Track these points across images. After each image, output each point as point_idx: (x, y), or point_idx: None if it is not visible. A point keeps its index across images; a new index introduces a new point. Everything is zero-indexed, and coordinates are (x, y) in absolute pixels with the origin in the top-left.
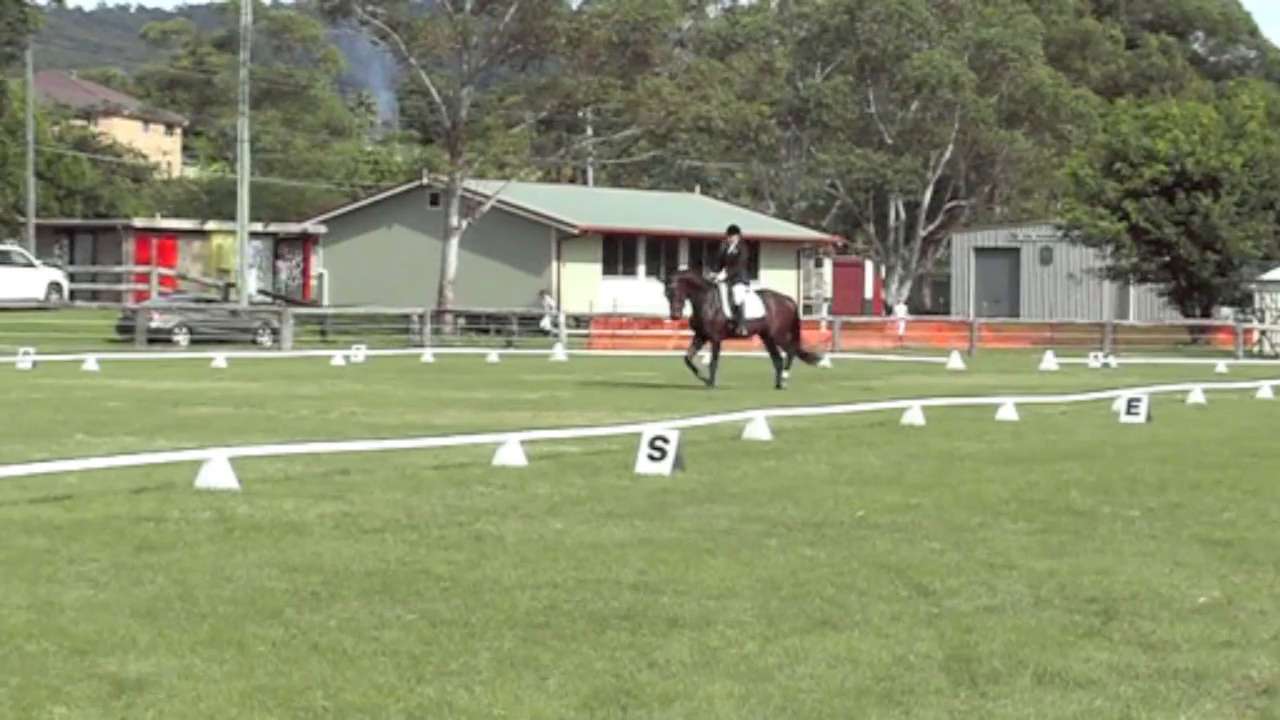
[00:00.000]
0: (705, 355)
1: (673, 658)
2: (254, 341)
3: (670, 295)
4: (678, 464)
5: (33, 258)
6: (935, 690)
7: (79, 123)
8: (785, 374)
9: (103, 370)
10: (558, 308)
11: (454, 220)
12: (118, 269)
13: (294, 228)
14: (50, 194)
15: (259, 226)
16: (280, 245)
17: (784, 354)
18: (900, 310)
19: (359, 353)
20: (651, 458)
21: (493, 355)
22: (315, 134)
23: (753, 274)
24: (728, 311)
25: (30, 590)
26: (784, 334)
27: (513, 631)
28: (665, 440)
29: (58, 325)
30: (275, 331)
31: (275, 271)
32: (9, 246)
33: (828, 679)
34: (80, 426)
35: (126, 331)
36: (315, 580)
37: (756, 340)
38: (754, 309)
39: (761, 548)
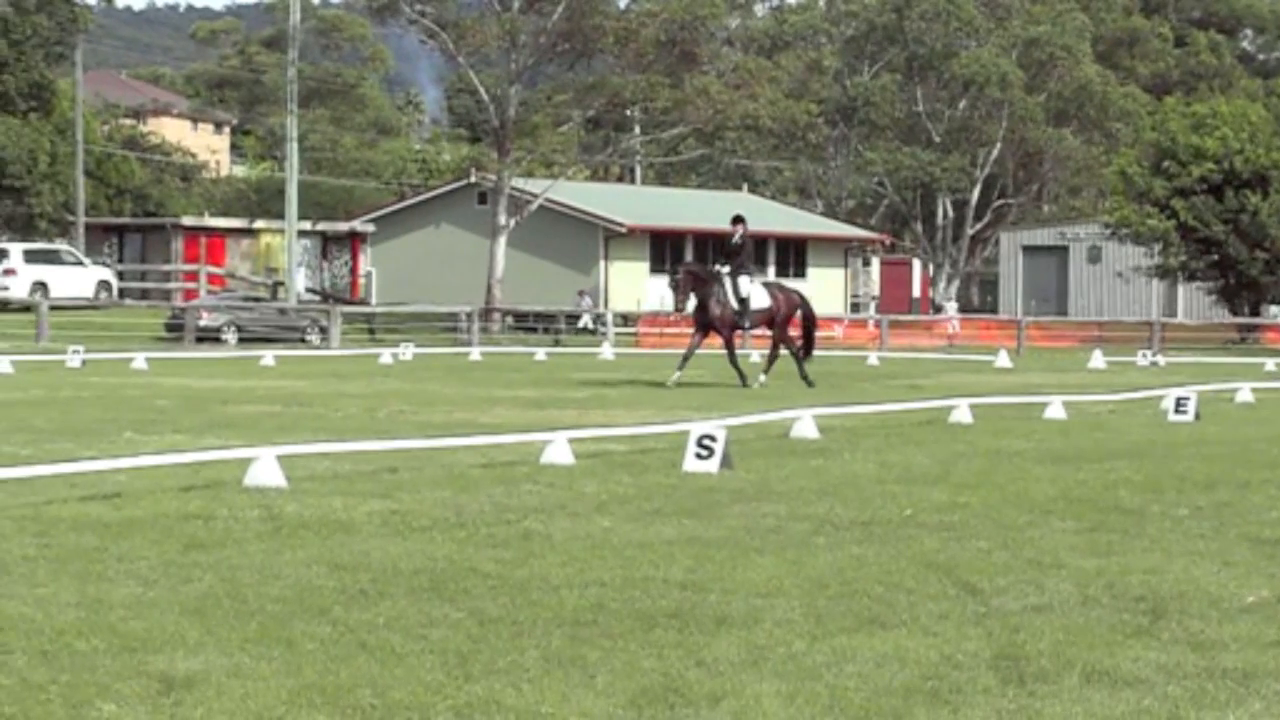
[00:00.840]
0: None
1: (720, 656)
2: (302, 340)
3: (675, 287)
4: (725, 462)
5: (82, 256)
6: (983, 689)
7: (128, 122)
8: (764, 377)
9: (151, 369)
10: (604, 306)
11: (501, 219)
12: (166, 268)
13: (342, 226)
14: (100, 193)
15: (307, 225)
16: (328, 244)
17: (793, 350)
18: (951, 309)
19: (407, 351)
20: (699, 456)
21: (540, 354)
22: (363, 133)
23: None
24: (734, 304)
25: (80, 588)
26: (786, 326)
27: (560, 630)
28: (713, 438)
29: (107, 324)
30: (323, 330)
31: (323, 270)
32: (59, 245)
33: (875, 678)
34: (129, 425)
35: (175, 330)
36: (363, 578)
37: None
38: (760, 300)
39: (809, 546)
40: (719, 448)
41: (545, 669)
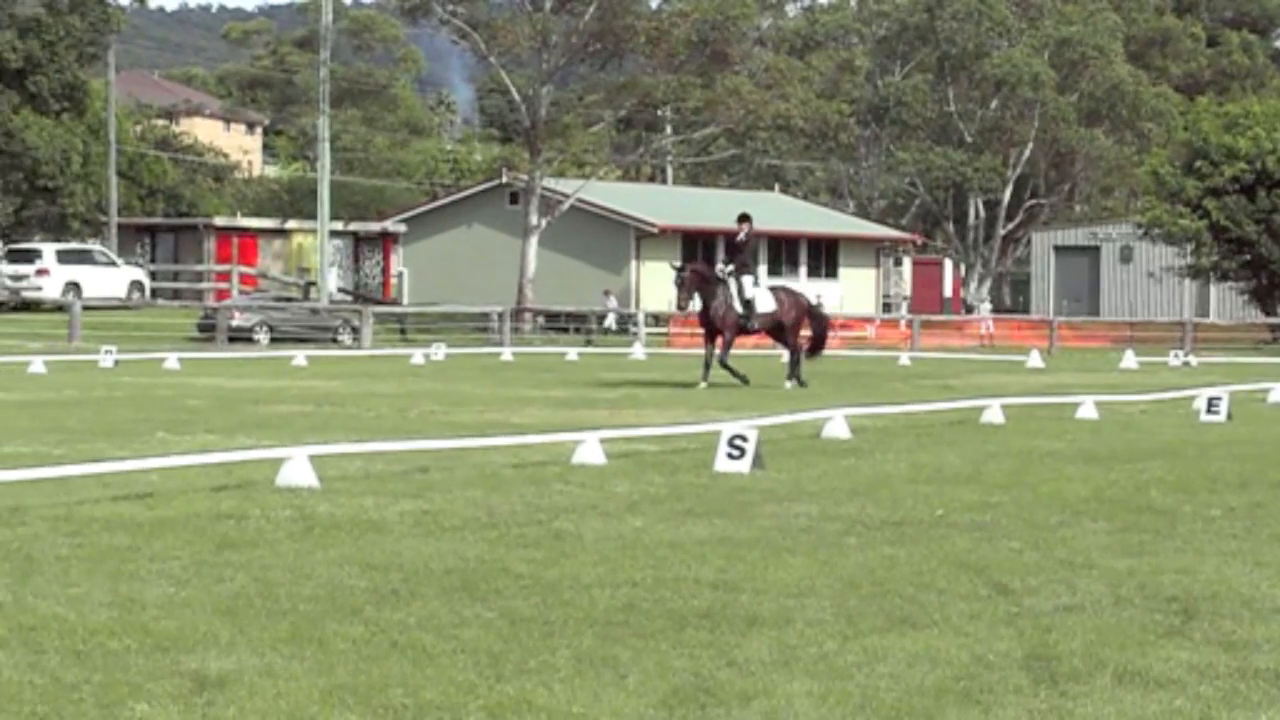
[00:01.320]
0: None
1: (752, 656)
2: (334, 340)
3: (679, 285)
4: (757, 462)
5: (115, 256)
6: (1015, 689)
7: (161, 122)
8: (793, 379)
9: (184, 368)
10: (635, 306)
11: (533, 219)
12: (199, 268)
13: (374, 226)
14: (132, 193)
15: (339, 225)
16: (360, 244)
17: (799, 352)
18: (986, 309)
19: (438, 351)
20: (730, 456)
21: (571, 354)
22: (395, 133)
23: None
24: (738, 307)
25: (112, 587)
26: (794, 329)
27: (592, 629)
28: (744, 439)
29: (139, 324)
30: (355, 330)
31: (357, 270)
32: (92, 245)
33: (907, 678)
34: (161, 424)
35: (207, 330)
36: (395, 578)
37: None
38: (765, 303)
39: (841, 546)
40: (750, 448)
41: (577, 669)
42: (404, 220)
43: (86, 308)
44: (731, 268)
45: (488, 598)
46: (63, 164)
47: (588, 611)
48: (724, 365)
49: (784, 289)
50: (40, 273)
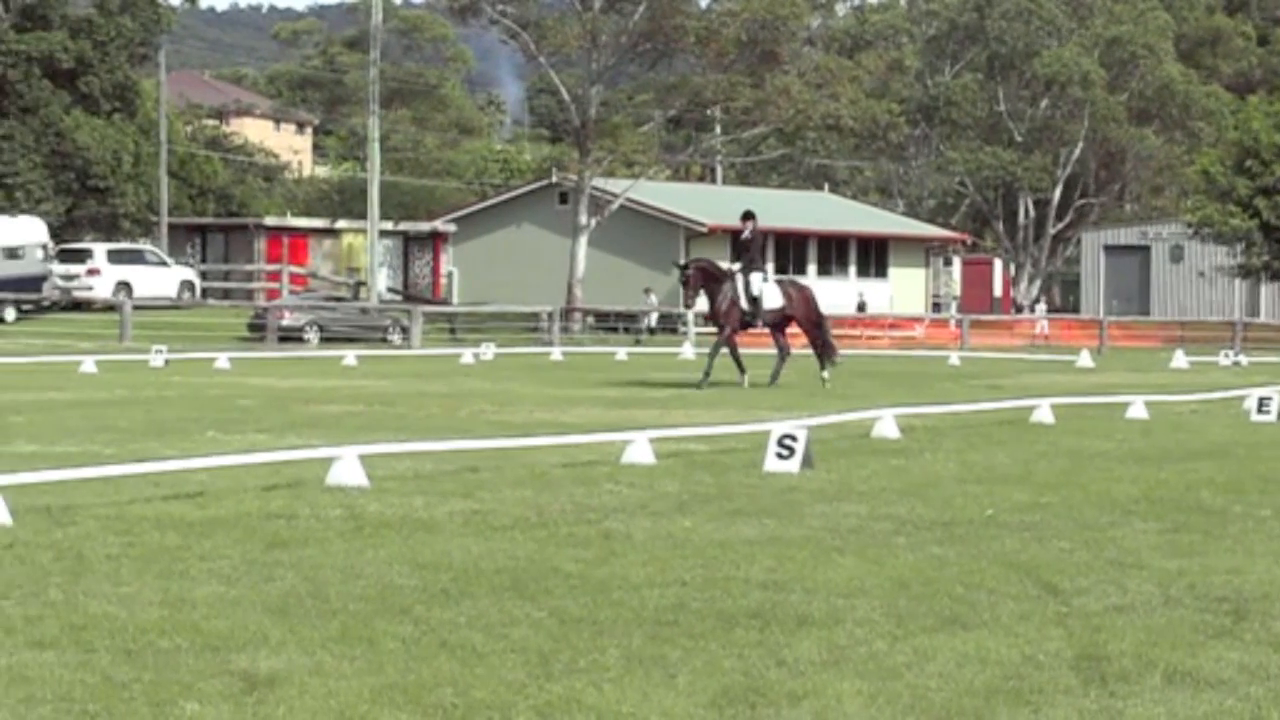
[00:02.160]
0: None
1: (801, 656)
2: (384, 340)
3: (684, 283)
4: (806, 462)
5: (166, 256)
6: (1064, 689)
7: (211, 122)
8: (826, 373)
9: (234, 368)
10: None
11: (582, 219)
12: (249, 267)
13: (424, 226)
14: (183, 193)
15: (389, 225)
16: (410, 244)
17: (784, 347)
18: (1040, 309)
19: (488, 351)
20: (780, 456)
21: (621, 353)
22: (445, 133)
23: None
24: (744, 303)
25: (163, 586)
26: (813, 325)
27: (641, 629)
28: (793, 438)
29: (190, 323)
30: (405, 330)
31: (408, 269)
32: (143, 245)
33: (956, 677)
34: (212, 424)
35: (258, 329)
36: (445, 577)
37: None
38: (772, 299)
39: (890, 546)
40: (800, 447)
41: (626, 668)
42: (453, 220)
43: (137, 307)
44: (739, 266)
45: (537, 597)
46: (114, 164)
47: (637, 611)
48: (711, 356)
49: (791, 283)
50: (91, 272)
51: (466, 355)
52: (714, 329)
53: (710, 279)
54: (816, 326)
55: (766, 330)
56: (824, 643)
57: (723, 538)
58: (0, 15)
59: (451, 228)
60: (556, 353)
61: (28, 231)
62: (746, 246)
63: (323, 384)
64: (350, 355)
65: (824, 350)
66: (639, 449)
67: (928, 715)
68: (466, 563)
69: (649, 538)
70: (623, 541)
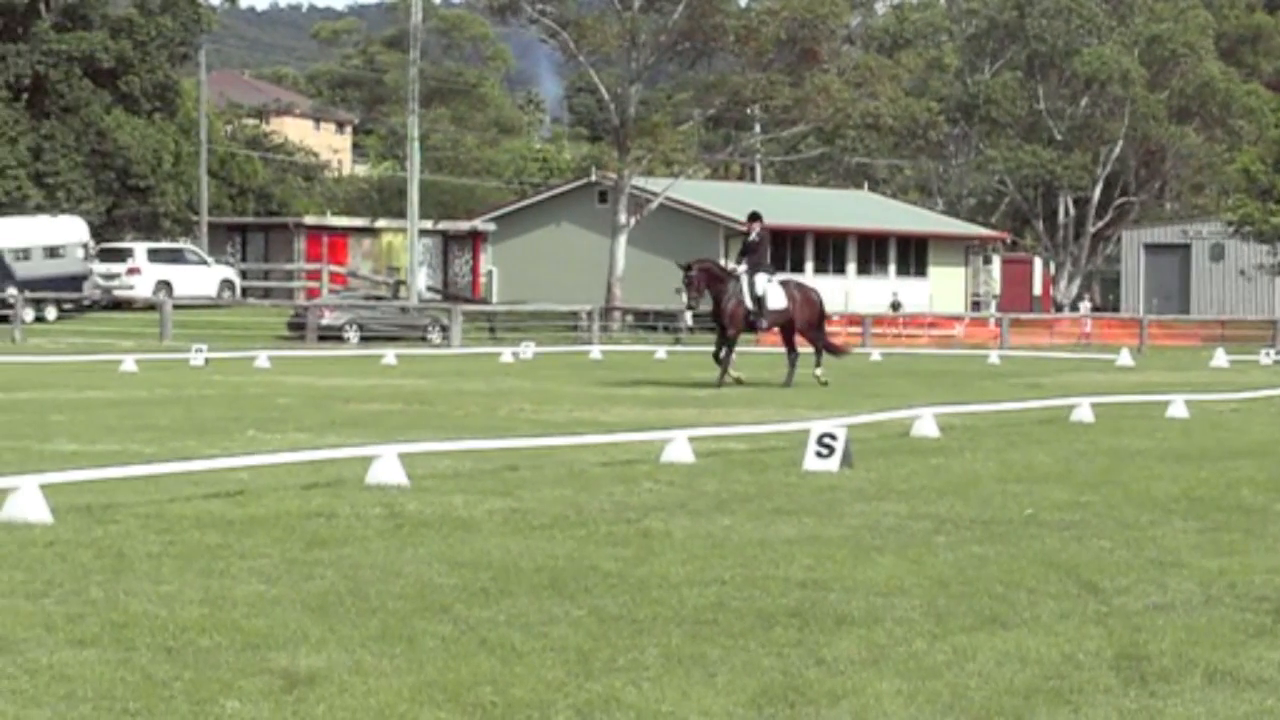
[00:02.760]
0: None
1: (840, 655)
2: (423, 339)
3: (687, 284)
4: (845, 461)
5: (206, 255)
6: (1104, 689)
7: (251, 121)
8: (819, 370)
9: (274, 367)
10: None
11: (622, 218)
12: (289, 266)
13: (463, 225)
14: (223, 192)
15: (428, 224)
16: (449, 243)
17: (812, 349)
18: (1084, 307)
19: (527, 350)
20: (819, 455)
21: (660, 352)
22: (484, 132)
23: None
24: (749, 303)
25: (203, 585)
26: (810, 327)
27: (680, 628)
28: (833, 437)
29: (230, 322)
30: (444, 329)
31: (447, 269)
32: (183, 245)
33: (996, 677)
34: (252, 423)
35: (297, 328)
36: (484, 576)
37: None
38: (776, 300)
39: (930, 545)
40: (839, 446)
41: (665, 667)
42: (493, 219)
43: (177, 306)
44: (745, 266)
45: (576, 596)
46: (154, 163)
47: (676, 610)
48: (716, 359)
49: (796, 284)
50: (132, 271)
51: (506, 354)
52: (713, 329)
53: (714, 280)
54: (815, 329)
55: (769, 330)
56: (863, 642)
57: (762, 537)
58: (41, 15)
59: (491, 227)
60: (596, 351)
61: (69, 231)
62: (753, 248)
63: (362, 383)
64: (390, 354)
65: (823, 350)
66: (678, 448)
67: (967, 714)
68: (506, 561)
69: (688, 536)
70: (662, 540)
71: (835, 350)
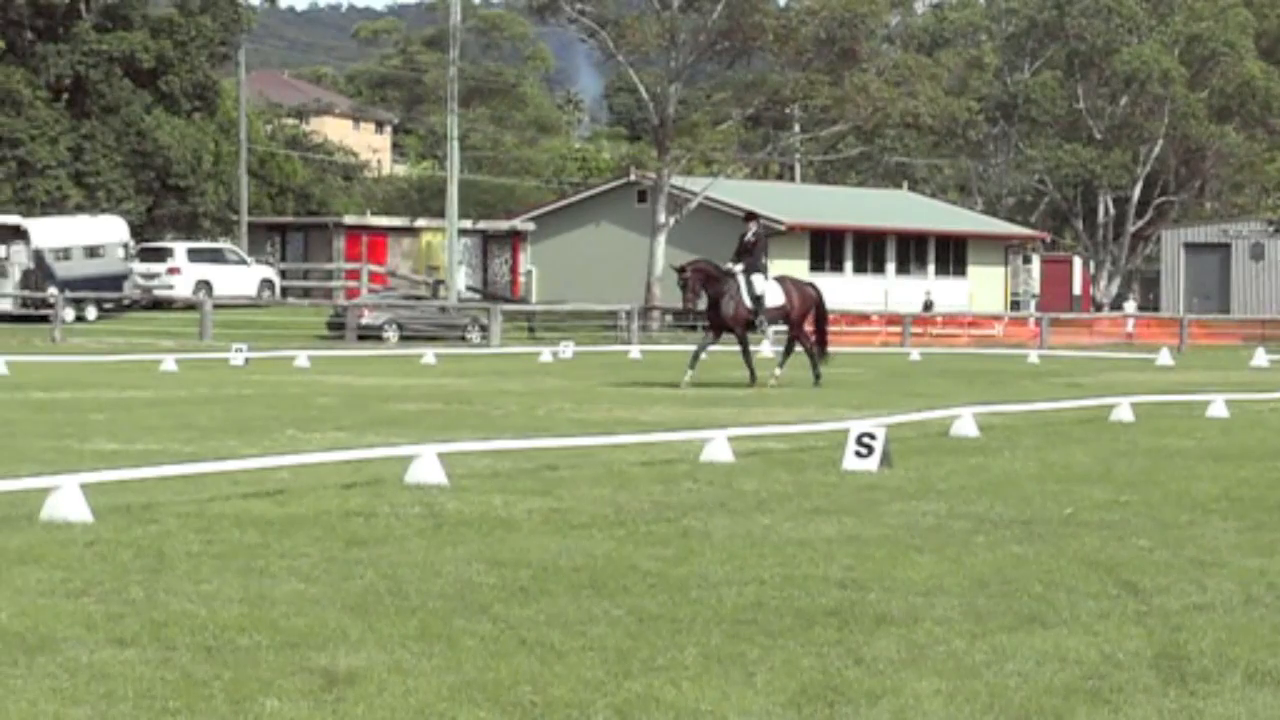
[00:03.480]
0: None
1: (880, 654)
2: (463, 338)
3: (683, 286)
4: (885, 460)
5: (245, 255)
6: (1144, 689)
7: (291, 121)
8: (779, 371)
9: (313, 366)
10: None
11: (661, 217)
12: (329, 266)
13: (502, 225)
14: (263, 192)
15: (468, 224)
16: (489, 242)
17: (807, 346)
18: (1130, 306)
19: (566, 349)
20: (859, 454)
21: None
22: (523, 131)
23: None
24: (748, 302)
25: (243, 584)
26: (802, 322)
27: (720, 627)
28: (872, 437)
29: (270, 322)
30: (484, 328)
31: (487, 268)
32: (223, 244)
33: (1035, 676)
34: (291, 422)
35: (337, 328)
36: (523, 575)
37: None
38: (774, 297)
39: (969, 545)
40: (879, 446)
41: (704, 666)
42: (532, 219)
43: (217, 306)
44: (741, 266)
45: (616, 595)
46: (194, 163)
47: (716, 609)
48: (746, 359)
49: (793, 281)
50: (172, 271)
51: (545, 354)
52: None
53: (710, 280)
54: (816, 327)
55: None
56: (902, 641)
57: (801, 536)
58: (81, 16)
59: (530, 226)
60: (635, 351)
61: (109, 230)
62: (750, 248)
63: (402, 382)
64: (429, 353)
65: (821, 350)
66: (718, 447)
67: (1006, 714)
68: (545, 560)
69: (727, 536)
70: (701, 540)
71: (823, 351)
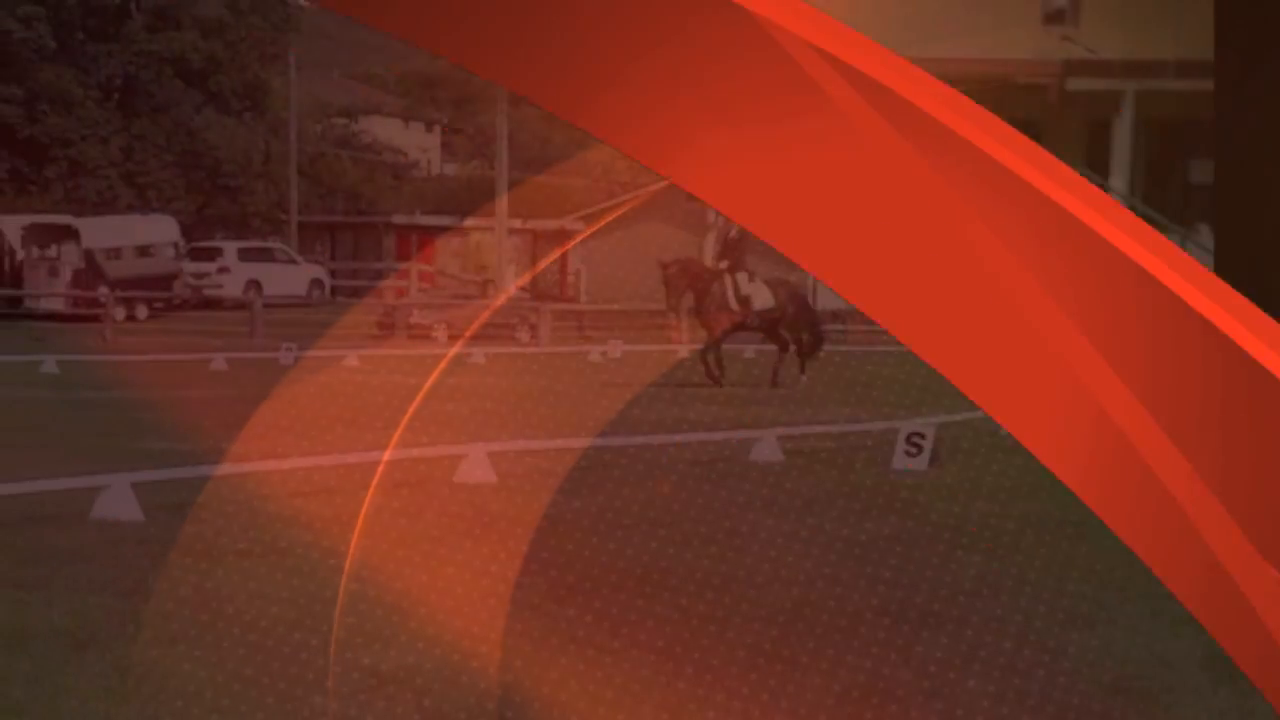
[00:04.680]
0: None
1: (929, 654)
2: (512, 337)
3: (666, 284)
4: (934, 459)
5: (295, 254)
6: (1194, 689)
7: (340, 121)
8: (776, 373)
9: (363, 365)
10: (813, 301)
11: (711, 216)
12: (378, 265)
13: (551, 224)
14: (313, 192)
15: (517, 223)
16: (538, 242)
17: (802, 345)
18: None
19: (616, 348)
20: (908, 453)
21: (748, 350)
22: (573, 131)
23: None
24: (733, 303)
25: (291, 583)
26: (797, 326)
27: (769, 627)
28: (922, 435)
29: (319, 321)
30: (533, 327)
31: (533, 268)
32: (272, 244)
33: (1085, 676)
34: (341, 421)
35: (386, 327)
36: (571, 575)
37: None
38: (763, 299)
39: (1018, 544)
40: (928, 445)
41: (754, 666)
42: (581, 218)
43: (267, 305)
44: (726, 264)
45: (664, 595)
46: (244, 163)
47: (765, 609)
48: (704, 359)
49: (781, 281)
50: (221, 270)
51: (594, 353)
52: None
53: (695, 278)
54: (810, 328)
55: (754, 330)
56: (951, 641)
57: (850, 535)
58: (132, 16)
59: (579, 226)
60: (683, 350)
61: (160, 230)
62: (734, 245)
63: (451, 381)
64: (478, 353)
65: (810, 350)
66: (766, 446)
67: (1056, 715)
68: (593, 559)
69: (775, 535)
70: (749, 538)
71: (814, 351)
